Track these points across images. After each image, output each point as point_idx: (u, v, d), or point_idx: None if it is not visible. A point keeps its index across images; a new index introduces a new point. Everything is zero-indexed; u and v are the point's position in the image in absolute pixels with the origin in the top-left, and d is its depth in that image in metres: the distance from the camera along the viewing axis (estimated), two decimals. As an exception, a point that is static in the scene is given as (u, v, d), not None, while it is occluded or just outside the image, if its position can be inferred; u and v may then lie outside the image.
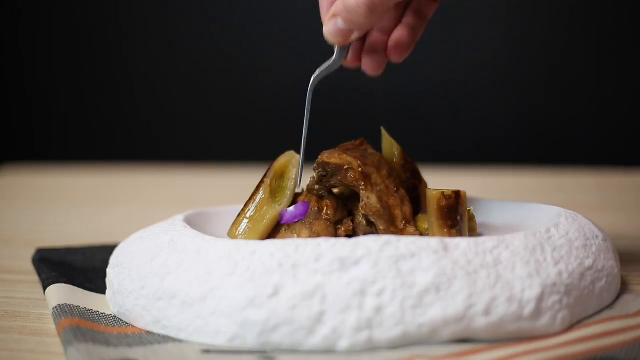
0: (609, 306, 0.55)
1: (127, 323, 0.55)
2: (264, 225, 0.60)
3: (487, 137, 1.71)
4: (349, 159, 0.59)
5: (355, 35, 0.60)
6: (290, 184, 0.62)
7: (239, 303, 0.49)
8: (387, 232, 0.58)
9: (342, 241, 0.51)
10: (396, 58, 0.65)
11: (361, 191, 0.59)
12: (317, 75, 0.63)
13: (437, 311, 0.48)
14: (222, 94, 1.83)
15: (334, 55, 0.63)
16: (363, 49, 0.66)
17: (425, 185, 0.64)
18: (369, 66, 0.66)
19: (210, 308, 0.50)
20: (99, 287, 0.62)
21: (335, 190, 0.62)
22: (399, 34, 0.65)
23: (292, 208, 0.60)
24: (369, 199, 0.58)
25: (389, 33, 0.66)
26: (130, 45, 1.86)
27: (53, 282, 0.61)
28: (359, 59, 0.66)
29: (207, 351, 0.49)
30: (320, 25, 0.61)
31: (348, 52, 0.64)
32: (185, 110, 1.86)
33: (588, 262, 0.54)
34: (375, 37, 0.66)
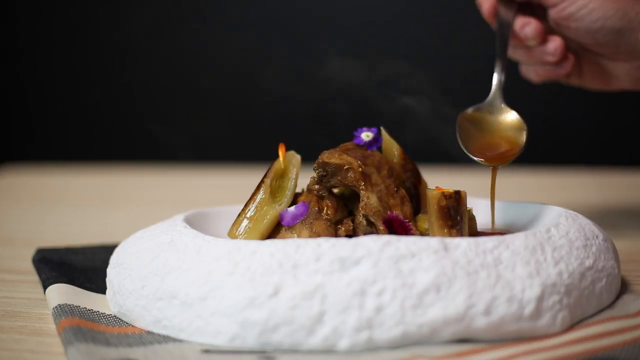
0: (609, 306, 0.55)
1: (127, 323, 0.55)
2: (264, 225, 0.60)
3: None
4: (349, 159, 0.59)
5: None
6: (290, 184, 0.62)
7: (239, 303, 0.49)
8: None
9: (342, 241, 0.51)
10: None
11: (361, 191, 0.59)
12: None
13: (437, 311, 0.48)
14: (222, 94, 1.83)
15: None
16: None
17: (425, 185, 0.64)
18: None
19: (210, 308, 0.50)
20: (99, 287, 0.62)
21: (336, 190, 0.62)
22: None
23: (292, 208, 0.60)
24: (369, 199, 0.58)
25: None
26: (130, 45, 1.86)
27: (53, 282, 0.61)
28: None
29: (207, 351, 0.49)
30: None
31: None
32: (185, 110, 1.86)
33: (588, 262, 0.54)
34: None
